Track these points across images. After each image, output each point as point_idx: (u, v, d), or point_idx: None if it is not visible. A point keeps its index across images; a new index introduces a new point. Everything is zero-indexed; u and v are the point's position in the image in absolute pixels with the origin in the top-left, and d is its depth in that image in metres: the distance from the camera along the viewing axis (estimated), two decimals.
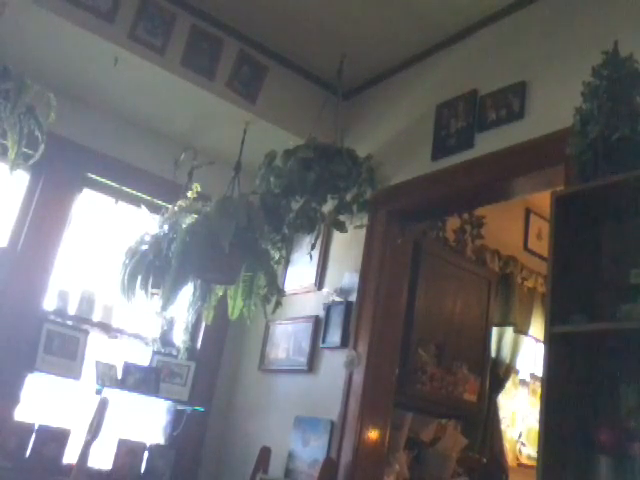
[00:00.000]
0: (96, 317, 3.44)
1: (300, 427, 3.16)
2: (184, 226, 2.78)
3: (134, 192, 3.66)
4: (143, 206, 3.25)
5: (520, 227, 4.51)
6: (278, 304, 2.91)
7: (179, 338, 3.47)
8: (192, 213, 2.82)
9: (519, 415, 4.47)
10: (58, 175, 3.37)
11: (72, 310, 3.38)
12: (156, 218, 3.01)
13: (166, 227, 2.91)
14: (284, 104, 3.48)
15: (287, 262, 3.50)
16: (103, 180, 3.59)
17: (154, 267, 2.81)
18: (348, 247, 3.32)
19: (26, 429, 3.07)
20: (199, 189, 3.05)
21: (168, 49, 3.09)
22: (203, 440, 3.72)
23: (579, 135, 1.96)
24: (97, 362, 3.15)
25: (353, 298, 3.16)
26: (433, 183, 2.95)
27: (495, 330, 4.13)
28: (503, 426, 4.20)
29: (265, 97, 3.39)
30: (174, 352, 3.60)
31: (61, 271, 3.39)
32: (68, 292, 3.39)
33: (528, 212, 4.53)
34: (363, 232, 3.16)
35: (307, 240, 3.19)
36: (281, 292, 2.97)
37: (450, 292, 3.79)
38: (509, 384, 4.28)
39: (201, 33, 3.20)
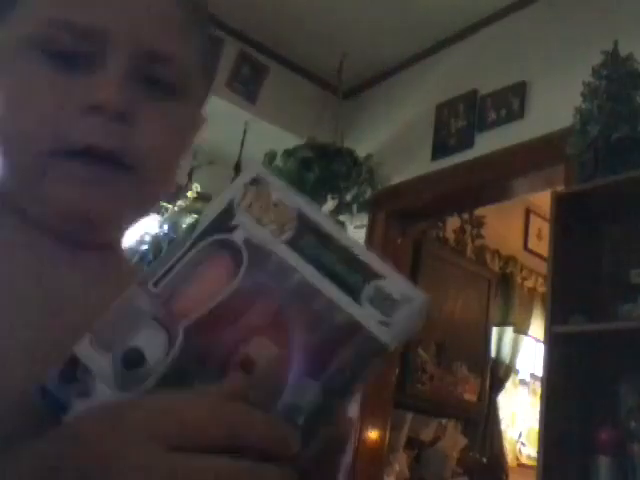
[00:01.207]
0: None
1: None
2: (184, 226, 2.78)
3: None
4: None
5: (520, 227, 4.51)
6: None
7: None
8: (192, 213, 2.82)
9: (519, 415, 4.47)
10: None
11: None
12: (156, 218, 3.01)
13: (166, 227, 2.91)
14: (284, 104, 3.48)
15: None
16: None
17: None
18: None
19: None
20: (199, 189, 3.05)
21: None
22: None
23: (579, 135, 1.96)
24: None
25: None
26: (433, 183, 2.95)
27: (495, 330, 4.13)
28: (503, 426, 4.20)
29: (265, 97, 3.38)
30: None
31: None
32: None
33: (528, 212, 4.53)
34: (363, 232, 3.16)
35: None
36: None
37: (450, 292, 3.79)
38: (509, 384, 4.28)
39: None
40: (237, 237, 0.39)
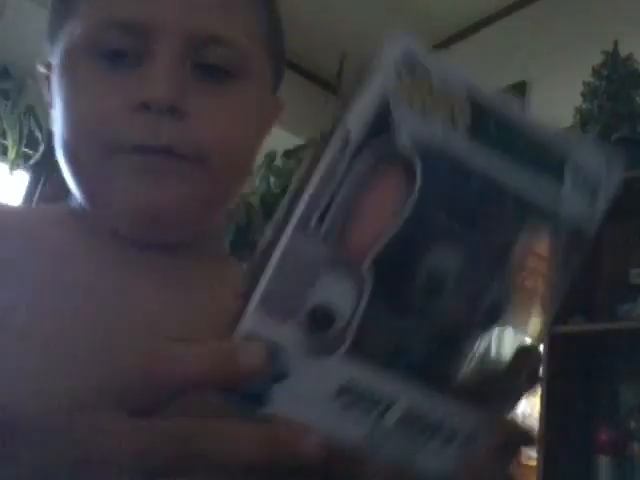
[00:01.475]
0: None
1: None
2: None
3: None
4: None
5: None
6: None
7: None
8: None
9: (519, 415, 4.48)
10: (58, 175, 3.36)
11: None
12: None
13: None
14: (284, 104, 3.48)
15: None
16: None
17: None
18: None
19: None
20: None
21: None
22: None
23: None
24: None
25: None
26: None
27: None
28: None
29: None
30: None
31: None
32: None
33: None
34: None
35: None
36: None
37: None
38: None
39: None
40: (402, 140, 0.30)
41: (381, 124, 0.29)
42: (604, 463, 1.79)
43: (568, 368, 1.90)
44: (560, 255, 0.32)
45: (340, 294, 0.29)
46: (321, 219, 0.29)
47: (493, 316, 0.32)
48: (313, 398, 0.29)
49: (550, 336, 1.88)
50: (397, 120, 0.29)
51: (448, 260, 0.31)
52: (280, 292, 0.29)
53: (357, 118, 0.30)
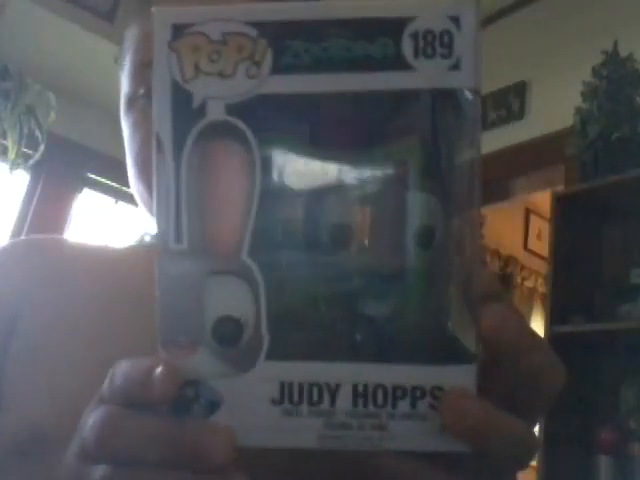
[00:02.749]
0: None
1: None
2: None
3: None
4: None
5: (520, 227, 4.52)
6: None
7: None
8: None
9: None
10: (58, 175, 3.37)
11: None
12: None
13: None
14: None
15: None
16: (103, 180, 3.59)
17: None
18: None
19: None
20: None
21: None
22: None
23: (579, 135, 1.97)
24: None
25: None
26: None
27: None
28: None
29: None
30: None
31: None
32: None
33: (528, 212, 4.53)
34: None
35: None
36: None
37: None
38: None
39: None
40: (213, 114, 0.26)
41: (185, 110, 0.26)
42: (604, 463, 1.79)
43: (568, 368, 1.89)
44: (443, 119, 0.27)
45: (236, 299, 0.26)
46: (177, 232, 0.26)
47: (425, 239, 0.27)
48: (254, 413, 0.27)
49: (550, 336, 1.88)
50: (196, 99, 0.26)
51: (343, 203, 0.27)
52: (176, 322, 0.27)
53: (160, 116, 0.27)
